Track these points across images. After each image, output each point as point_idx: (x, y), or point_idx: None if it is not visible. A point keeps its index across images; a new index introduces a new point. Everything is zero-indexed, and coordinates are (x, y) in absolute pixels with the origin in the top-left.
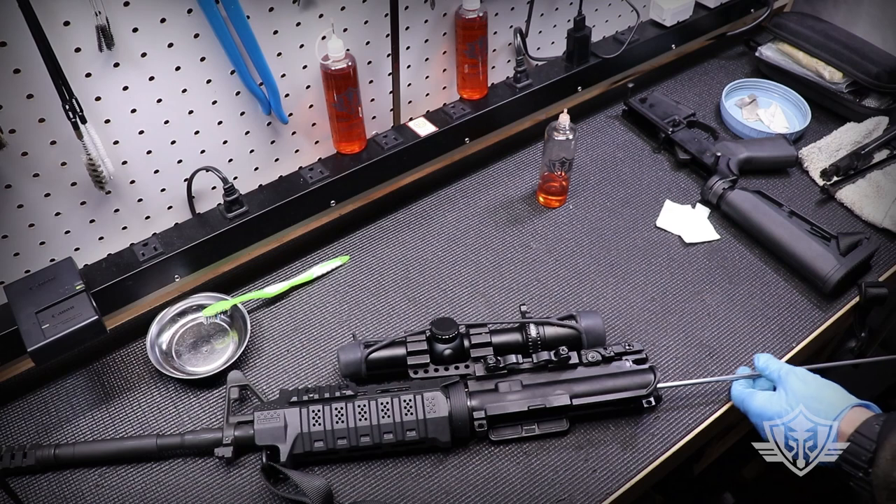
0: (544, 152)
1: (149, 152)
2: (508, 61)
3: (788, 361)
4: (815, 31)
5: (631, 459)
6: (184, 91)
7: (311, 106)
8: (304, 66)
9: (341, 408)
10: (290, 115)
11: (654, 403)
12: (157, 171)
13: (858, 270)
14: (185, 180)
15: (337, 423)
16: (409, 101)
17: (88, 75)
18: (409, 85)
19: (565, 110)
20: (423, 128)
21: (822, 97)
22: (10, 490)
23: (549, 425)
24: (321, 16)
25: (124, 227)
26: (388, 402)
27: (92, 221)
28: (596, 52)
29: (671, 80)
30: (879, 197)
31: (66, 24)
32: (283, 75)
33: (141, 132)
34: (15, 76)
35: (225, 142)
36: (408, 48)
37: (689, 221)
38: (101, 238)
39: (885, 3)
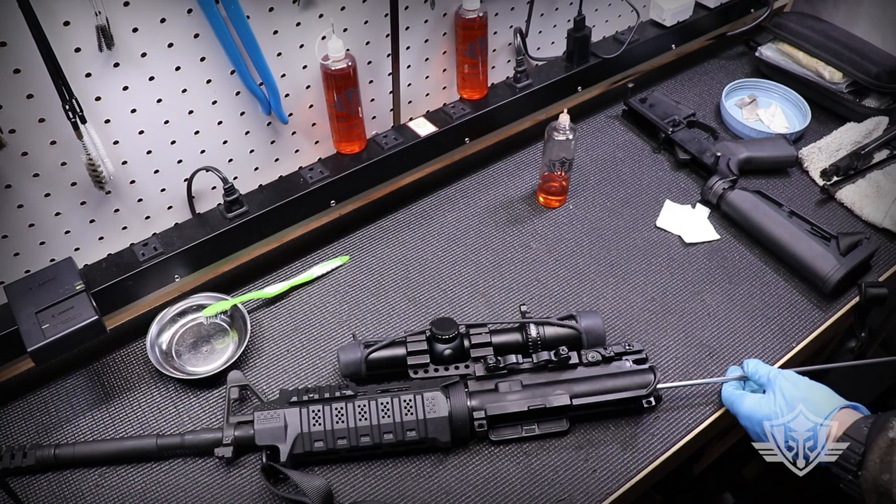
0: (544, 152)
1: (149, 152)
2: (508, 61)
3: (788, 361)
4: (815, 31)
5: (631, 459)
6: (184, 91)
7: (311, 106)
8: (304, 66)
9: (341, 408)
10: (290, 115)
11: (654, 403)
12: (157, 171)
13: (858, 270)
14: (185, 180)
15: (337, 423)
16: (409, 101)
17: (88, 75)
18: (409, 85)
19: (565, 110)
20: (423, 128)
21: (822, 97)
22: (10, 490)
23: (549, 425)
24: (321, 16)
25: (124, 227)
26: (388, 402)
27: (92, 221)
28: (596, 52)
29: (671, 80)
30: (879, 197)
31: (66, 24)
32: (283, 75)
33: (141, 132)
34: (15, 76)
35: (225, 142)
36: (408, 48)
37: (689, 221)
38: (101, 238)
39: (885, 3)
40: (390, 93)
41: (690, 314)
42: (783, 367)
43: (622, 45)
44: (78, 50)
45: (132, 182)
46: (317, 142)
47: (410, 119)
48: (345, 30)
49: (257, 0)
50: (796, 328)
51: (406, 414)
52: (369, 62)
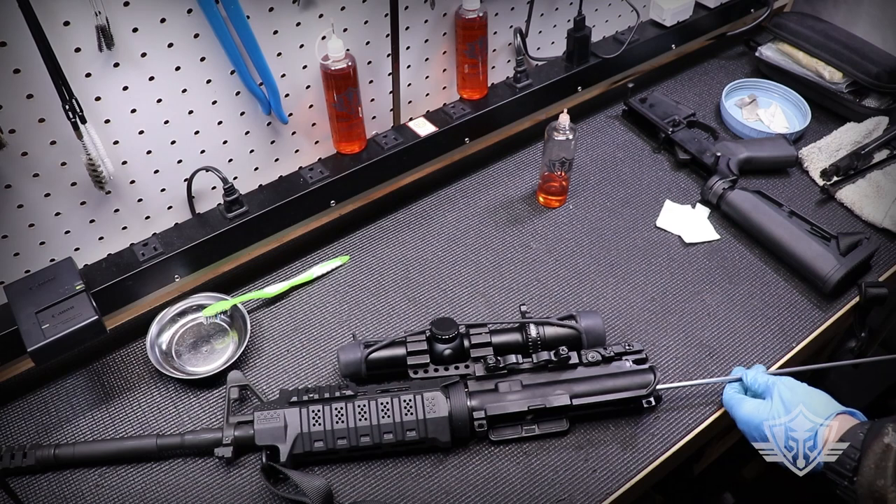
0: (544, 152)
1: (149, 152)
2: (508, 61)
3: (788, 361)
4: (815, 31)
5: (631, 459)
6: (184, 91)
7: (311, 106)
8: (304, 66)
9: (341, 408)
10: (290, 115)
11: (653, 403)
12: (157, 171)
13: (858, 270)
14: (185, 180)
15: (337, 423)
16: (409, 101)
17: (88, 75)
18: (409, 85)
19: (565, 110)
20: (423, 128)
21: (822, 97)
22: (10, 490)
23: (549, 425)
24: (321, 16)
25: (124, 227)
26: (388, 402)
27: (92, 221)
28: (596, 52)
29: (671, 80)
30: (879, 197)
31: (66, 24)
32: (283, 75)
33: (141, 132)
34: (15, 76)
35: (225, 142)
36: (408, 48)
37: (689, 221)
38: (101, 238)
39: (885, 3)
40: (390, 93)
41: (690, 314)
42: (783, 366)
43: (622, 45)
44: (78, 50)
45: (132, 182)
46: (317, 142)
47: (410, 119)
48: (345, 30)
49: (257, 0)
50: (796, 328)
51: (406, 414)
52: (369, 62)
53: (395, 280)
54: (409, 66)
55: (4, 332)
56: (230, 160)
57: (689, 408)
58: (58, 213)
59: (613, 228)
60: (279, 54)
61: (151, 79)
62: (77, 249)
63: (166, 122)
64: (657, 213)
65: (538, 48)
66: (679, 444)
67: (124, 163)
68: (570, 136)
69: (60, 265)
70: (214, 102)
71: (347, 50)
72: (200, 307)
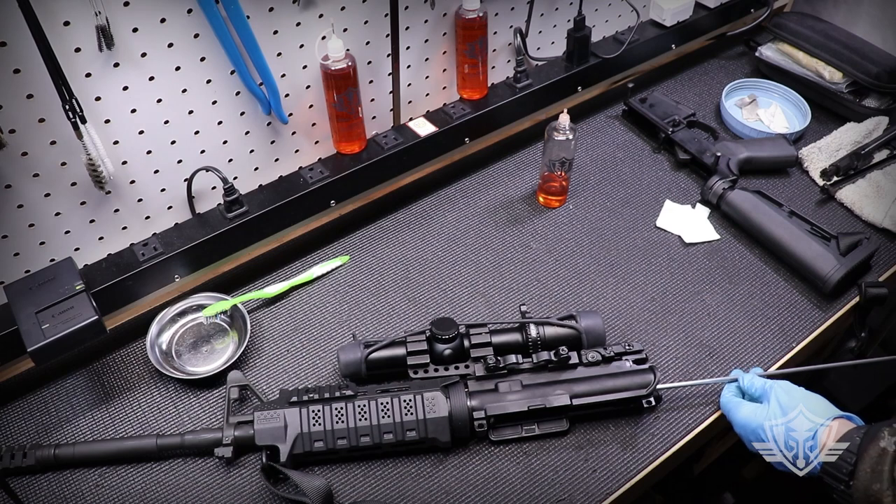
0: (544, 152)
1: (149, 152)
2: (508, 61)
3: (788, 361)
4: (815, 31)
5: (631, 459)
6: (184, 91)
7: (311, 106)
8: (304, 66)
9: (341, 408)
10: (290, 115)
11: (653, 403)
12: (157, 171)
13: (858, 270)
14: (185, 180)
15: (337, 423)
16: (409, 101)
17: (88, 75)
18: (409, 85)
19: (565, 110)
20: (423, 128)
21: (822, 97)
22: (10, 490)
23: (549, 425)
24: (321, 16)
25: (124, 227)
26: (388, 402)
27: (92, 221)
28: (596, 52)
29: (671, 80)
30: (879, 197)
31: (66, 24)
32: (283, 75)
33: (141, 132)
34: (15, 76)
35: (225, 142)
36: (408, 48)
37: (689, 221)
38: (101, 238)
39: (885, 3)
40: (390, 93)
41: (690, 314)
42: (783, 366)
43: (622, 45)
44: (78, 50)
45: (132, 182)
46: (317, 142)
47: (410, 119)
48: (345, 30)
49: (257, 0)
50: (796, 328)
51: (406, 414)
52: (369, 62)
53: (395, 280)
54: (409, 66)
55: (4, 332)
56: (230, 160)
57: (689, 408)
58: (58, 213)
59: (613, 228)
60: (279, 54)
61: (151, 79)
62: (77, 249)
63: (166, 122)
64: (657, 213)
65: (538, 48)
66: (679, 444)
67: (124, 163)
68: (570, 136)
69: (60, 265)
70: (214, 102)
71: (347, 50)
72: (200, 307)
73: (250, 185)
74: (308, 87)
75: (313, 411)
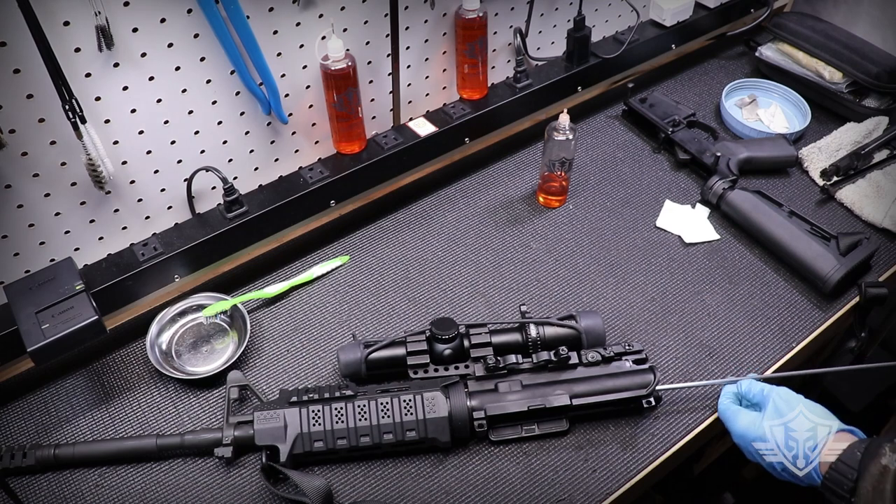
0: (544, 152)
1: (149, 152)
2: (508, 61)
3: (788, 362)
4: (815, 31)
5: (631, 459)
6: (184, 91)
7: (311, 106)
8: (304, 66)
9: (341, 408)
10: (290, 115)
11: (653, 403)
12: (156, 171)
13: (858, 270)
14: (185, 180)
15: (337, 423)
16: (409, 101)
17: (88, 75)
18: (409, 85)
19: (565, 110)
20: (423, 128)
21: (822, 97)
22: (10, 490)
23: (549, 425)
24: (321, 16)
25: (124, 227)
26: (387, 402)
27: (92, 221)
28: (596, 52)
29: (671, 80)
30: (879, 197)
31: (66, 24)
32: (283, 75)
33: (141, 132)
34: (15, 76)
35: (225, 142)
36: (408, 48)
37: (689, 221)
38: (100, 238)
39: (885, 3)
40: (390, 93)
41: (690, 314)
42: (783, 367)
43: (622, 45)
44: (78, 50)
45: (132, 182)
46: (317, 142)
47: (410, 119)
48: (345, 30)
49: (257, 0)
50: (796, 328)
51: (406, 414)
52: (369, 62)
53: (395, 280)
54: (409, 66)
55: (4, 332)
56: (230, 160)
57: (689, 408)
58: (58, 213)
59: (613, 228)
60: (279, 54)
61: (151, 79)
62: (77, 249)
63: (166, 122)
64: (657, 213)
65: (538, 48)
66: (679, 444)
67: (124, 163)
68: (570, 136)
69: (60, 265)
70: (214, 102)
71: (347, 50)
72: (200, 307)
73: (250, 185)
74: (308, 87)
75: (313, 411)
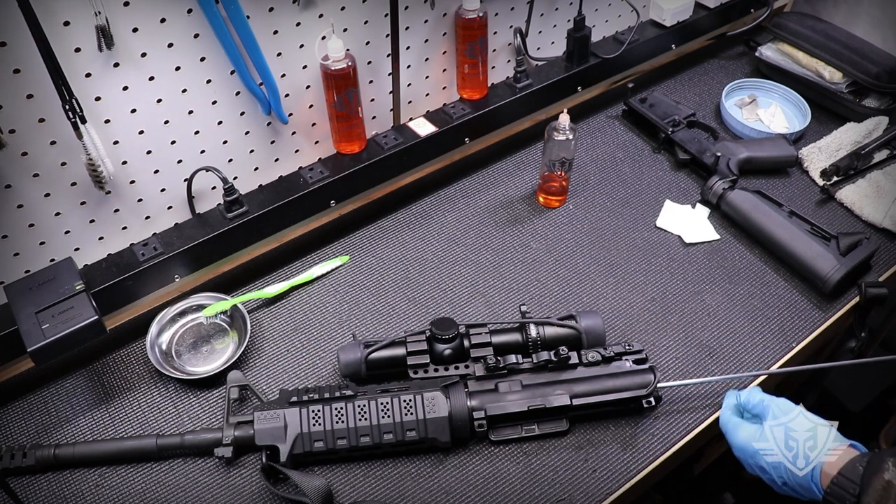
0: (544, 152)
1: (149, 152)
2: (508, 61)
3: (788, 361)
4: (815, 31)
5: (631, 459)
6: (184, 91)
7: (311, 106)
8: (304, 66)
9: (341, 408)
10: (290, 115)
11: (653, 403)
12: (157, 171)
13: (858, 270)
14: (185, 180)
15: (337, 423)
16: (409, 101)
17: (88, 75)
18: (409, 85)
19: (565, 110)
20: (423, 128)
21: (822, 97)
22: (10, 490)
23: (549, 425)
24: (321, 16)
25: (124, 227)
26: (387, 402)
27: (92, 221)
28: (596, 52)
29: (671, 80)
30: (879, 197)
31: (66, 24)
32: (283, 75)
33: (141, 132)
34: (15, 76)
35: (225, 142)
36: (408, 48)
37: (689, 221)
38: (101, 238)
39: (885, 3)
40: (390, 93)
41: (690, 314)
42: (783, 366)
43: (622, 45)
44: (78, 50)
45: (132, 182)
46: (317, 142)
47: (410, 119)
48: (345, 30)
49: (257, 0)
50: (796, 328)
51: (406, 414)
52: (369, 62)
53: (395, 280)
54: (409, 66)
55: (4, 332)
56: (230, 160)
57: (689, 408)
58: (58, 213)
59: (613, 228)
60: (279, 54)
61: (151, 79)
62: (77, 249)
63: (166, 122)
64: (657, 213)
65: (538, 48)
66: (679, 444)
67: (124, 163)
68: (570, 136)
69: (60, 265)
70: (214, 102)
71: (347, 50)
72: (200, 307)
73: (250, 185)
74: (308, 87)
75: (313, 411)
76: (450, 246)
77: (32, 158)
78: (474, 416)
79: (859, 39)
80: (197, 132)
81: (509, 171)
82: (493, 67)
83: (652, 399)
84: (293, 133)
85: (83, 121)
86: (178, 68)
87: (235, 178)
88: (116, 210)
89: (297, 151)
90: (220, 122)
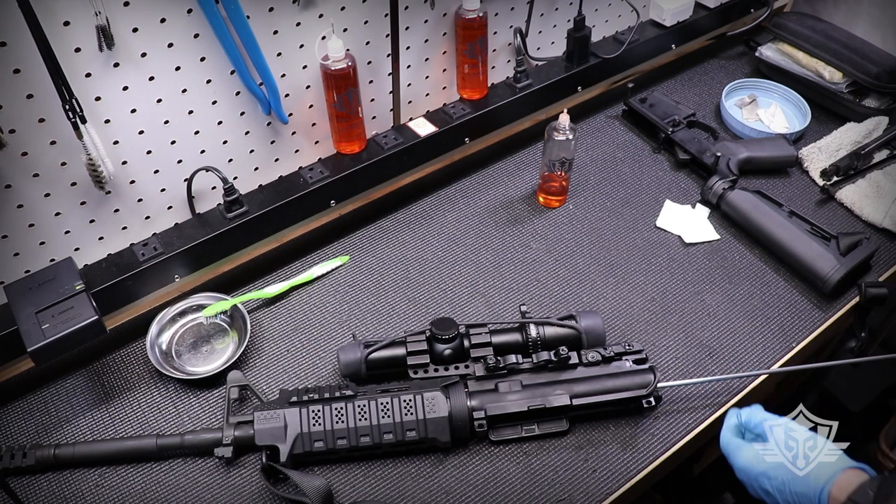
0: (544, 152)
1: (149, 152)
2: (508, 61)
3: (788, 361)
4: (815, 31)
5: (631, 459)
6: (184, 91)
7: (311, 106)
8: (304, 66)
9: (341, 408)
10: (290, 115)
11: (653, 403)
12: (157, 171)
13: (858, 270)
14: (185, 180)
15: (337, 423)
16: (409, 101)
17: (88, 75)
18: (409, 85)
19: (565, 110)
20: (423, 128)
21: (822, 97)
22: (10, 490)
23: (549, 425)
24: (321, 16)
25: (124, 227)
26: (388, 402)
27: (92, 221)
28: (596, 52)
29: (671, 80)
30: (879, 197)
31: (66, 24)
32: (283, 75)
33: (141, 132)
34: (15, 76)
35: (225, 142)
36: (408, 48)
37: (689, 221)
38: (101, 238)
39: (885, 3)
40: (390, 93)
41: (690, 314)
42: (783, 366)
43: (622, 45)
44: (78, 50)
45: (132, 182)
46: (317, 142)
47: (410, 119)
48: (345, 30)
49: (257, 0)
50: (796, 328)
51: (406, 414)
52: (369, 62)
53: (395, 280)
54: (409, 66)
55: (4, 332)
56: (230, 160)
57: (689, 408)
58: (58, 213)
59: (613, 228)
60: (279, 54)
61: (151, 79)
62: (77, 249)
63: (166, 122)
64: (657, 213)
65: (538, 48)
66: (679, 444)
67: (124, 163)
68: (570, 136)
69: (60, 265)
70: (214, 102)
71: (347, 50)
72: (200, 307)
73: (250, 185)
74: (308, 87)
75: (313, 411)
76: (450, 246)
77: (32, 158)
78: (474, 416)
79: (859, 39)
80: (197, 132)
81: (509, 171)
82: (493, 67)
83: (652, 399)
84: (293, 133)
85: (83, 121)
86: (178, 68)
87: (235, 178)
88: (116, 210)
89: (297, 151)
90: (220, 122)
